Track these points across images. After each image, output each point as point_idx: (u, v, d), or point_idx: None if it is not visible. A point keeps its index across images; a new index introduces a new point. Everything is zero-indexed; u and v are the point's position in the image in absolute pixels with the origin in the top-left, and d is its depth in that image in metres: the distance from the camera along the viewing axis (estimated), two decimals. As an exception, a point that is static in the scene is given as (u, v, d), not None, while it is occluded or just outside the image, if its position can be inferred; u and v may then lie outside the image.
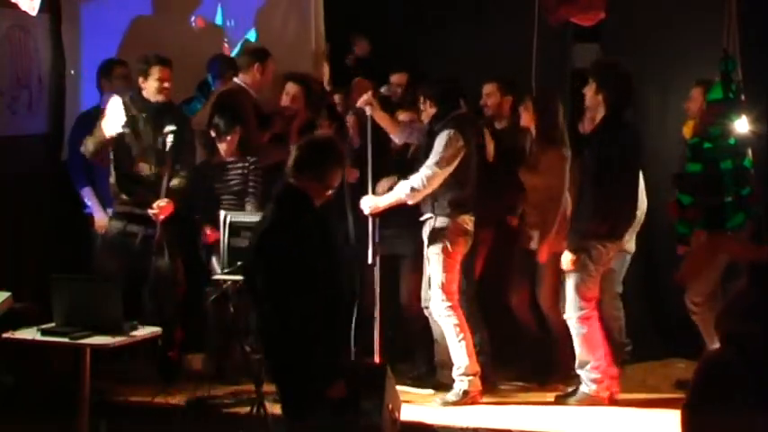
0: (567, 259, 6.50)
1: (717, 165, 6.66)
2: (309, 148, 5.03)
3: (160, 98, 6.99)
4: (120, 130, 6.85)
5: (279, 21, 8.26)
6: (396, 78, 7.75)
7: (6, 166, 7.56)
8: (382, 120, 6.86)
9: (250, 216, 6.49)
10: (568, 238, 6.55)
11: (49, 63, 8.10)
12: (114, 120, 6.83)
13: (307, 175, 4.92)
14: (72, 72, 8.22)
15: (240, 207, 7.06)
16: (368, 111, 6.82)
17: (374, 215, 6.66)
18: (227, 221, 6.17)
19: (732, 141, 6.68)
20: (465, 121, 6.76)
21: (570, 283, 6.53)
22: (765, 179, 6.68)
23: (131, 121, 6.91)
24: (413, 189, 6.57)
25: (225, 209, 6.84)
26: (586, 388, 6.59)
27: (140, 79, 7.01)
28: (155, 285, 6.98)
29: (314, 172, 4.93)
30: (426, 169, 6.58)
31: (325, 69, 8.18)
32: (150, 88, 6.98)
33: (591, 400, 6.56)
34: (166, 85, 6.99)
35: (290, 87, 7.56)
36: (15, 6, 7.34)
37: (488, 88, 7.40)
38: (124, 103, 6.96)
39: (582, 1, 7.26)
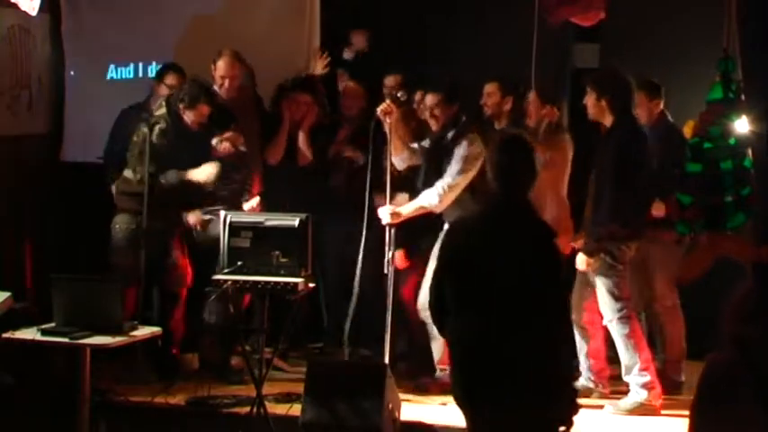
0: (581, 260, 6.47)
1: (717, 165, 6.66)
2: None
3: (195, 129, 7.01)
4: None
5: (272, 17, 8.25)
6: (390, 81, 7.69)
7: (6, 166, 7.57)
8: (394, 137, 6.67)
9: (250, 216, 6.49)
10: (586, 242, 6.51)
11: (49, 63, 8.11)
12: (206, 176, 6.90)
13: None
14: (72, 72, 8.22)
15: (237, 206, 7.07)
16: (386, 120, 6.63)
17: (392, 225, 6.59)
18: (228, 221, 6.17)
19: (732, 141, 6.68)
20: (477, 125, 6.78)
21: (602, 287, 6.46)
22: (765, 179, 6.66)
23: (170, 145, 6.91)
24: (439, 197, 6.56)
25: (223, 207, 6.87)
26: (638, 396, 6.43)
27: (182, 106, 6.95)
28: (164, 280, 7.03)
29: None
30: (449, 177, 6.57)
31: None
32: (189, 118, 6.97)
33: (643, 410, 6.42)
34: (204, 120, 7.01)
35: (300, 96, 7.56)
36: (15, 6, 7.35)
37: (489, 88, 7.37)
38: (163, 121, 6.96)
39: (582, 1, 7.25)
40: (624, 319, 6.44)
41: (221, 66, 7.31)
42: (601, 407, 6.54)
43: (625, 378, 6.50)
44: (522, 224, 4.43)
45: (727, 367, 3.46)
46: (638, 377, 6.43)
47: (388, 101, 6.71)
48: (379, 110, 6.67)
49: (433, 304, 4.55)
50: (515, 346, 4.26)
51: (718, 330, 3.57)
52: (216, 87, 7.34)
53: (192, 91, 6.95)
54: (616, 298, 6.44)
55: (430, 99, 6.80)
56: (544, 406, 4.25)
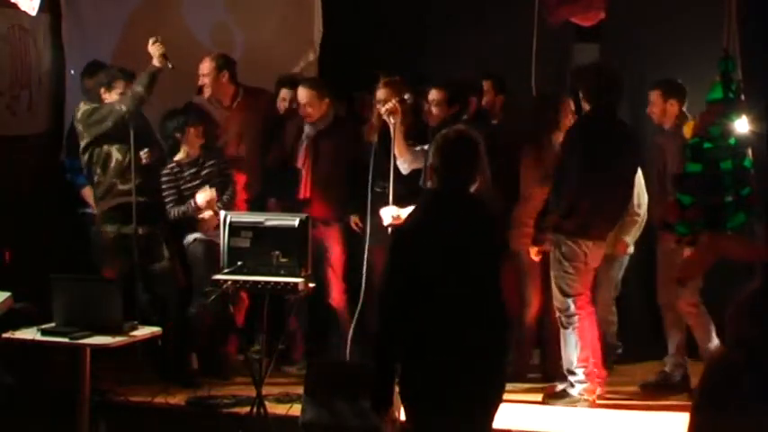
0: (532, 249, 6.70)
1: (717, 165, 6.66)
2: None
3: None
4: None
5: (274, 19, 8.25)
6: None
7: (6, 166, 7.57)
8: (398, 138, 6.60)
9: (250, 216, 6.49)
10: (534, 230, 6.68)
11: (49, 63, 8.11)
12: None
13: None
14: (72, 72, 8.22)
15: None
16: (390, 120, 6.57)
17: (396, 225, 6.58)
18: (228, 221, 6.17)
19: (732, 141, 6.68)
20: (478, 122, 6.77)
21: (553, 281, 6.62)
22: (765, 179, 6.67)
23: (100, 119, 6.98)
24: None
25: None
26: (572, 390, 6.58)
27: (102, 89, 7.04)
28: (154, 284, 7.02)
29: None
30: None
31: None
32: (111, 100, 7.01)
33: (575, 403, 6.56)
34: None
35: (285, 93, 7.53)
36: (15, 6, 7.35)
37: (483, 86, 7.41)
38: (82, 104, 7.07)
39: (582, 1, 7.26)
40: (570, 316, 6.53)
41: (201, 67, 7.39)
42: (598, 405, 6.59)
43: (564, 371, 6.63)
44: (465, 213, 4.55)
45: (728, 367, 3.46)
46: (573, 373, 6.56)
47: (393, 101, 6.63)
48: (383, 109, 6.62)
49: (392, 303, 4.46)
50: (469, 336, 4.41)
51: (723, 331, 3.57)
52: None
53: (109, 73, 7.08)
54: (564, 293, 6.54)
55: (433, 93, 6.76)
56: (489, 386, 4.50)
